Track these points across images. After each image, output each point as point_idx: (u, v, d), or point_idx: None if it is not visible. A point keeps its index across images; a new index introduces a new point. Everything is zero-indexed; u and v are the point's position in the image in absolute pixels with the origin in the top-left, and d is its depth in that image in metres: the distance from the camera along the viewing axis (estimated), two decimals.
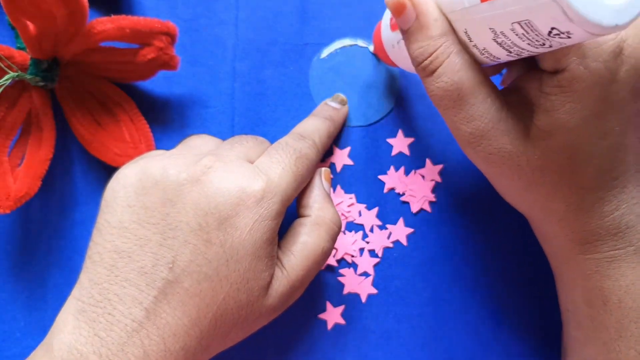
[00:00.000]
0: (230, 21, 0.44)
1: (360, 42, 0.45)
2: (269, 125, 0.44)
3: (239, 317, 0.32)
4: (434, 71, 0.30)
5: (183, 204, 0.30)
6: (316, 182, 0.38)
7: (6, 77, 0.36)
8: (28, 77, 0.37)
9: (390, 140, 0.44)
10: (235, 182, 0.31)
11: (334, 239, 0.36)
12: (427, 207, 0.43)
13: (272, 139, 0.42)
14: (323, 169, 0.39)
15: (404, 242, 0.43)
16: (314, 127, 0.39)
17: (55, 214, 0.43)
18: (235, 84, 0.44)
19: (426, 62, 0.30)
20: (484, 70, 0.31)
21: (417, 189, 0.43)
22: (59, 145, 0.41)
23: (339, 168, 0.44)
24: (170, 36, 0.38)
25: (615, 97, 0.29)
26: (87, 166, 0.43)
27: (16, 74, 0.37)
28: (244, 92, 0.44)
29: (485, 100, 0.30)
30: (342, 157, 0.44)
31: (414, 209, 0.43)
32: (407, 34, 0.30)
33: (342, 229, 0.43)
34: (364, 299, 0.43)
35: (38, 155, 0.39)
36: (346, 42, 0.45)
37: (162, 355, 0.29)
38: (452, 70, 0.29)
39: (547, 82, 0.29)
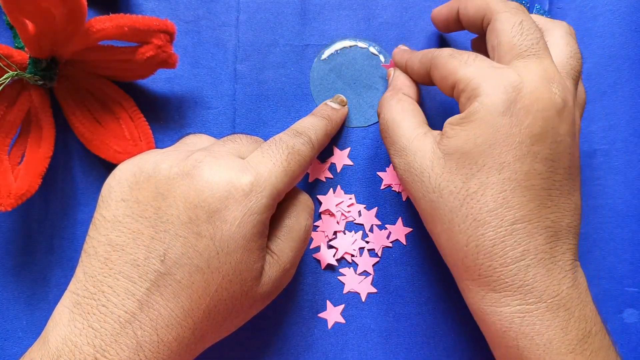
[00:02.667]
0: (231, 23, 0.44)
1: (361, 43, 0.44)
2: (270, 127, 0.43)
3: (232, 307, 0.31)
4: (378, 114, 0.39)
5: (174, 197, 0.30)
6: None
7: (5, 76, 0.35)
8: (27, 76, 0.36)
9: None
10: (224, 175, 0.31)
11: (312, 216, 0.37)
12: None
13: None
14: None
15: (403, 241, 0.42)
16: (310, 124, 0.38)
17: (57, 213, 0.42)
18: (236, 86, 0.43)
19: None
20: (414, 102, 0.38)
21: None
22: (59, 143, 0.41)
23: (339, 168, 0.43)
24: (169, 34, 0.37)
25: (508, 131, 0.30)
26: (87, 164, 0.42)
27: (15, 73, 0.36)
28: (245, 94, 0.43)
29: (408, 125, 0.35)
30: (342, 158, 0.43)
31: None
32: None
33: (342, 228, 0.42)
34: (363, 298, 0.42)
35: (38, 154, 0.38)
36: (346, 43, 0.44)
37: (155, 346, 0.28)
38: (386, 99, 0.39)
39: (453, 119, 0.32)
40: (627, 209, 0.43)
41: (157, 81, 0.43)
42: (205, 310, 0.30)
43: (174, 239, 0.29)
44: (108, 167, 0.42)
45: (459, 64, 0.33)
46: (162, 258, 0.29)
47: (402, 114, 0.36)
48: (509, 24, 0.33)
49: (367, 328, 0.42)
